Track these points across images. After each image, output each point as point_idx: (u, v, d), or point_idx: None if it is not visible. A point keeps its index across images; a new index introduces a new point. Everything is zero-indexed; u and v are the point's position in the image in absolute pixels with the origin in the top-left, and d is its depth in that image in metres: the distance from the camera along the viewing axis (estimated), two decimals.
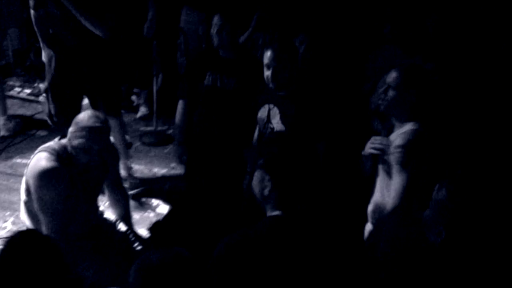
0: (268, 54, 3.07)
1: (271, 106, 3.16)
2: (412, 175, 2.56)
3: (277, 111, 3.14)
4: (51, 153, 2.79)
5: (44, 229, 2.85)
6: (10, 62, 5.92)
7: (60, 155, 2.79)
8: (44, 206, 2.80)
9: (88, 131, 2.74)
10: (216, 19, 3.57)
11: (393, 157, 2.59)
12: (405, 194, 2.56)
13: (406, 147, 2.55)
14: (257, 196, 2.29)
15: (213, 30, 3.57)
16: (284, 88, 3.11)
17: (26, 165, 4.23)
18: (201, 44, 4.85)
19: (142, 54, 4.99)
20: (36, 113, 5.29)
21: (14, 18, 5.98)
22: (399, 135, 2.62)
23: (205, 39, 4.73)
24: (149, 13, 4.78)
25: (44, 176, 2.75)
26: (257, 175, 2.29)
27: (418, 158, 2.56)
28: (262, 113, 3.20)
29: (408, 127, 2.61)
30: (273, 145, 3.10)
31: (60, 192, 2.77)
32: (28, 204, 2.94)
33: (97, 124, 2.77)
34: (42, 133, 4.87)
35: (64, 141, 2.86)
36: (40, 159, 2.79)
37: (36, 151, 2.88)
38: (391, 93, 2.64)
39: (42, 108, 5.36)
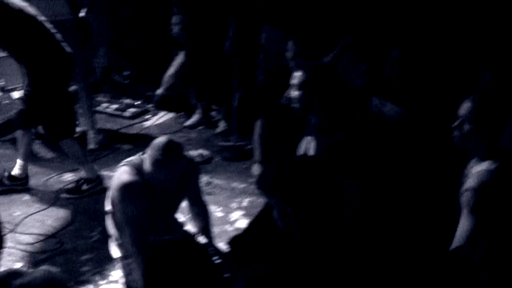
0: (298, 75, 3.02)
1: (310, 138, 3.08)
2: (482, 221, 2.30)
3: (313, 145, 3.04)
4: (132, 167, 2.91)
5: (127, 240, 2.96)
6: (99, 79, 6.21)
7: (141, 169, 2.89)
8: (126, 217, 2.91)
9: (169, 162, 2.82)
10: (290, 44, 3.59)
11: (463, 199, 2.37)
12: (470, 240, 2.30)
13: (479, 191, 2.31)
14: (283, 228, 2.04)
15: (289, 55, 3.58)
16: (308, 113, 3.03)
17: (111, 177, 4.47)
18: (281, 62, 4.89)
19: (222, 70, 5.10)
20: (121, 128, 5.51)
21: (102, 37, 6.31)
22: (473, 174, 2.39)
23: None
24: (230, 30, 4.88)
25: (125, 190, 2.86)
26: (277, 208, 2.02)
27: (491, 202, 2.30)
28: (302, 144, 3.14)
29: (484, 166, 2.37)
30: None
31: (139, 205, 2.86)
32: (112, 215, 3.06)
33: (170, 152, 2.84)
34: (126, 147, 5.06)
35: (147, 156, 2.96)
36: (122, 173, 2.91)
37: (120, 165, 3.00)
38: (466, 127, 2.41)
39: (128, 122, 5.61)
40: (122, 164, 2.99)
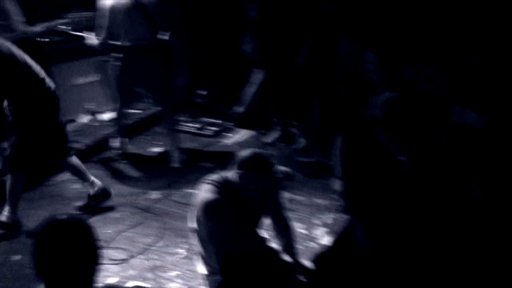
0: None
1: None
2: None
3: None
4: (214, 185, 2.98)
5: (212, 256, 3.01)
6: (180, 99, 6.40)
7: (223, 187, 2.95)
8: (209, 234, 2.97)
9: (255, 174, 2.89)
10: (371, 57, 3.55)
11: None
12: None
13: None
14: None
15: (370, 68, 3.55)
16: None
17: (195, 195, 4.57)
18: (360, 76, 4.84)
19: (301, 86, 5.12)
20: (202, 146, 5.65)
21: (182, 58, 6.52)
22: None
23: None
24: (304, 44, 4.90)
25: (207, 207, 2.93)
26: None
27: None
28: None
29: None
30: None
31: (222, 222, 2.92)
32: (198, 232, 3.12)
33: (257, 163, 2.90)
34: (208, 165, 5.15)
35: (228, 173, 3.01)
36: (204, 191, 2.99)
37: (202, 183, 3.07)
38: None
39: (209, 141, 5.74)
40: (204, 182, 3.05)
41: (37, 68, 4.01)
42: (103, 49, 5.07)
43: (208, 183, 3.02)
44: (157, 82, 5.04)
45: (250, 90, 5.74)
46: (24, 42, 5.02)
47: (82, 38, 5.08)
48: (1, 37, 3.95)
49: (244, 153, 2.98)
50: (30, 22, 4.72)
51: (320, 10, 4.97)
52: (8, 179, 4.18)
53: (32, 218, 4.33)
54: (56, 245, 1.91)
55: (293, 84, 5.18)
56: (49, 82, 4.08)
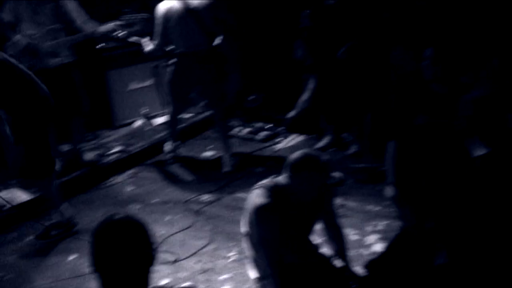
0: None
1: None
2: None
3: None
4: (266, 190, 2.96)
5: (263, 261, 3.00)
6: (231, 104, 6.45)
7: (274, 192, 2.93)
8: (260, 239, 2.96)
9: (308, 174, 2.86)
10: (428, 52, 3.48)
11: None
12: None
13: None
14: None
15: (426, 63, 3.48)
16: None
17: (246, 199, 4.58)
18: (413, 81, 4.75)
19: (353, 91, 5.06)
20: (254, 151, 5.66)
21: (234, 63, 6.57)
22: None
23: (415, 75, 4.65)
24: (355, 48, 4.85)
25: (259, 212, 2.91)
26: None
27: None
28: None
29: None
30: None
31: (273, 227, 2.90)
32: (248, 236, 3.12)
33: (317, 167, 2.86)
34: (259, 169, 5.17)
35: (280, 178, 2.99)
36: (256, 195, 2.97)
37: (253, 188, 3.06)
38: None
39: (260, 145, 5.75)
40: (256, 187, 3.05)
41: (31, 76, 4.03)
42: (157, 54, 5.17)
43: (260, 188, 3.01)
44: (209, 87, 5.09)
45: (305, 96, 5.72)
46: (83, 48, 5.23)
47: (139, 44, 5.19)
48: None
49: (296, 154, 2.95)
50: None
51: (375, 16, 4.91)
52: (39, 186, 4.25)
53: (87, 219, 4.45)
54: (111, 245, 1.93)
55: (346, 89, 5.12)
56: (43, 88, 4.07)
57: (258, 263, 3.15)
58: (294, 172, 2.88)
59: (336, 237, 3.28)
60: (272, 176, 3.06)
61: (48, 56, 4.61)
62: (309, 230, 3.24)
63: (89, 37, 4.79)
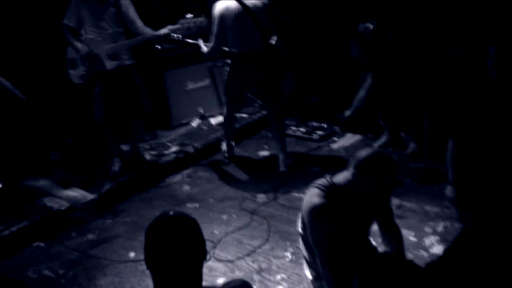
0: None
1: None
2: None
3: None
4: (322, 190, 2.90)
5: (318, 261, 2.97)
6: (286, 103, 6.43)
7: (331, 192, 2.88)
8: (316, 239, 2.92)
9: (377, 174, 2.80)
10: (491, 51, 3.35)
11: None
12: None
13: None
14: None
15: (490, 62, 3.36)
16: None
17: (302, 199, 4.56)
18: (473, 78, 4.60)
19: (413, 88, 4.94)
20: (309, 150, 5.63)
21: (289, 62, 6.56)
22: None
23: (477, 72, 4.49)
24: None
25: (314, 212, 2.87)
26: None
27: None
28: None
29: None
30: None
31: (328, 228, 2.85)
32: (304, 236, 3.10)
33: (388, 167, 2.81)
34: (315, 169, 5.15)
35: (339, 177, 2.95)
36: (312, 195, 2.92)
37: (310, 187, 3.02)
38: None
39: (316, 145, 5.71)
40: (312, 186, 3.01)
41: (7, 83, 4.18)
42: (213, 55, 5.23)
43: (316, 187, 2.96)
44: (265, 87, 5.10)
45: (360, 94, 5.64)
46: (141, 50, 5.35)
47: (195, 45, 5.26)
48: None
49: (366, 152, 2.87)
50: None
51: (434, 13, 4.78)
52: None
53: (146, 217, 4.55)
54: (163, 240, 1.93)
55: (403, 87, 5.02)
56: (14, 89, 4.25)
57: (312, 264, 3.13)
58: (361, 171, 2.80)
59: (393, 238, 3.21)
60: (328, 175, 3.01)
61: (108, 59, 4.74)
62: (366, 231, 3.18)
63: (147, 40, 4.89)
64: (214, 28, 4.93)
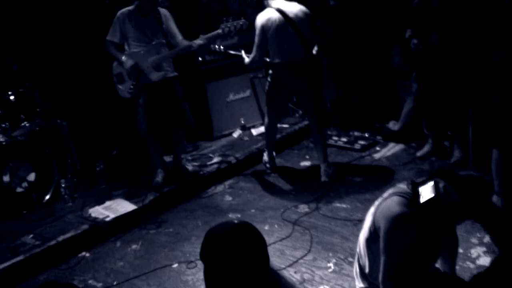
0: None
1: None
2: None
3: None
4: (405, 198, 2.79)
5: (381, 268, 2.87)
6: (328, 113, 6.40)
7: (414, 201, 2.76)
8: (391, 247, 2.81)
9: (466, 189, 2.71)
10: None
11: None
12: None
13: None
14: None
15: None
16: None
17: (344, 209, 4.51)
18: None
19: (458, 96, 4.83)
20: (351, 160, 5.57)
21: (331, 72, 6.53)
22: None
23: None
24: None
25: (395, 221, 2.76)
26: None
27: None
28: None
29: None
30: None
31: (407, 238, 2.76)
32: (369, 242, 2.98)
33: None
34: (357, 179, 5.08)
35: (421, 187, 2.73)
36: (395, 202, 2.81)
37: (389, 193, 2.89)
38: None
39: (358, 155, 5.65)
40: (393, 193, 2.88)
41: None
42: (255, 66, 5.25)
43: (398, 195, 2.83)
44: (307, 97, 5.09)
45: (407, 108, 5.54)
46: (183, 62, 5.42)
47: (237, 56, 5.30)
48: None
49: (464, 172, 2.80)
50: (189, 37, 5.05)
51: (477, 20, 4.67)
52: None
53: (189, 228, 4.62)
54: (228, 251, 1.86)
55: (448, 94, 4.91)
56: None
57: (370, 272, 3.03)
58: (452, 185, 2.70)
59: (451, 246, 3.11)
60: (407, 183, 2.89)
61: (154, 70, 4.84)
62: (440, 246, 3.05)
63: (186, 51, 4.96)
64: (256, 39, 4.97)
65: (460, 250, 3.71)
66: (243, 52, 5.25)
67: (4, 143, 4.67)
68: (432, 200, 2.69)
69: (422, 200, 2.66)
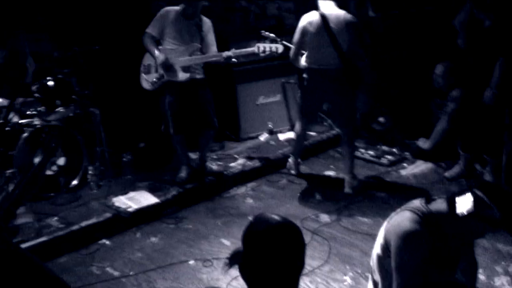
0: None
1: None
2: None
3: None
4: (417, 214, 2.71)
5: (393, 286, 2.83)
6: (357, 124, 6.35)
7: (427, 219, 2.69)
8: (400, 265, 2.73)
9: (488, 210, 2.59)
10: None
11: None
12: None
13: None
14: None
15: None
16: None
17: (365, 223, 4.47)
18: None
19: (496, 120, 4.74)
20: (377, 174, 5.52)
21: (363, 84, 6.47)
22: None
23: None
24: (493, 76, 4.55)
25: (405, 237, 2.68)
26: None
27: None
28: None
29: None
30: None
31: (418, 256, 2.67)
32: (381, 257, 2.91)
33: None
34: (381, 194, 5.04)
35: (437, 204, 2.72)
36: (404, 218, 2.73)
37: (401, 208, 2.82)
38: None
39: (384, 169, 5.60)
40: (404, 209, 2.80)
41: None
42: (291, 61, 5.20)
43: (410, 211, 2.74)
44: (338, 106, 5.06)
45: (441, 126, 5.46)
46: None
47: (269, 60, 5.31)
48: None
49: (481, 186, 2.63)
50: (225, 47, 5.10)
51: None
52: None
53: (208, 226, 4.64)
54: (273, 248, 1.85)
55: (487, 116, 4.81)
56: None
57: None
58: (467, 207, 2.56)
59: (470, 272, 3.05)
60: (421, 199, 2.83)
61: (182, 70, 4.90)
62: (455, 268, 2.99)
63: (215, 60, 5.02)
64: (295, 36, 5.02)
65: (484, 278, 3.67)
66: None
67: (39, 126, 4.75)
68: (470, 214, 2.61)
69: (458, 211, 2.59)
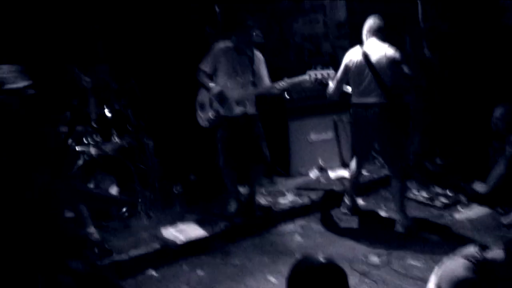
0: None
1: None
2: None
3: None
4: (471, 262, 2.63)
5: None
6: (410, 164, 6.23)
7: (481, 268, 2.60)
8: None
9: None
10: None
11: None
12: None
13: None
14: None
15: None
16: None
17: (418, 267, 4.32)
18: None
19: None
20: (431, 217, 5.36)
21: (418, 122, 6.37)
22: None
23: None
24: None
25: (458, 285, 2.60)
26: None
27: None
28: None
29: None
30: None
31: None
32: None
33: None
34: (434, 237, 4.87)
35: (492, 255, 2.63)
36: (459, 265, 2.65)
37: (456, 255, 2.73)
38: None
39: (437, 212, 5.43)
40: (459, 255, 2.72)
41: None
42: (330, 97, 5.15)
43: (464, 258, 2.67)
44: (388, 144, 4.97)
45: (499, 171, 5.27)
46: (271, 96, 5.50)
47: (321, 98, 5.30)
48: None
49: None
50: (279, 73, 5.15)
51: None
52: None
53: (255, 262, 4.59)
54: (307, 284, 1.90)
55: None
56: None
57: None
58: None
59: None
60: (475, 246, 2.76)
61: (235, 104, 4.95)
62: None
63: (271, 93, 5.07)
64: (338, 73, 5.01)
65: None
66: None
67: (95, 156, 4.90)
68: None
69: None
